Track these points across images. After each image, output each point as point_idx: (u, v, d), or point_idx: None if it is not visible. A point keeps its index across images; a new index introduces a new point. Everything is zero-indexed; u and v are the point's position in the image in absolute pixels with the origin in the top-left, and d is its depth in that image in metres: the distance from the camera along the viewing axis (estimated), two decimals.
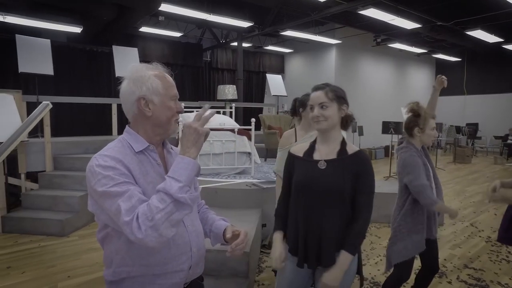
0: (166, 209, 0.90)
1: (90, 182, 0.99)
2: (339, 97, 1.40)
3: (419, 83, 13.32)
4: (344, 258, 1.34)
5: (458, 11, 7.65)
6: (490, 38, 8.58)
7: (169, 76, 1.13)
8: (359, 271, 1.49)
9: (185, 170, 0.95)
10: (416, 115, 1.99)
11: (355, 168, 1.36)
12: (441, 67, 13.64)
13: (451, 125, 11.87)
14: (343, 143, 1.42)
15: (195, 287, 1.21)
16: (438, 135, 12.63)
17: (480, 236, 3.91)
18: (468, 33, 8.21)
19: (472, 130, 11.48)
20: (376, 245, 3.61)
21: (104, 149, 1.05)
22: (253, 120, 4.43)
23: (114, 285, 1.07)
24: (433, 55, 11.96)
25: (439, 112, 13.45)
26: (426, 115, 1.98)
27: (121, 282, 1.06)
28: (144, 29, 8.00)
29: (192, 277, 1.18)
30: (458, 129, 11.58)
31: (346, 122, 1.45)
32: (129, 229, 0.89)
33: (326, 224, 1.36)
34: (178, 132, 3.54)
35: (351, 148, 1.42)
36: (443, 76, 2.23)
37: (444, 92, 14.27)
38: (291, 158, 1.52)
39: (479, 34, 8.27)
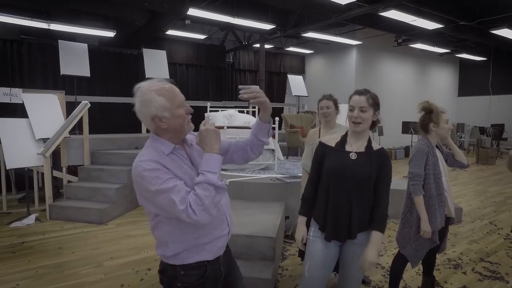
0: (211, 195, 1.17)
1: (141, 184, 1.19)
2: (376, 104, 1.67)
3: (442, 83, 13.15)
4: (378, 237, 1.60)
5: (482, 9, 7.57)
6: None
7: (171, 85, 1.26)
8: None
9: (217, 164, 1.23)
10: (429, 112, 2.19)
11: (379, 161, 1.65)
12: (465, 67, 13.40)
13: (474, 126, 11.66)
14: (369, 140, 1.71)
15: (227, 251, 1.46)
16: (461, 136, 12.31)
17: (498, 234, 3.99)
18: (494, 32, 8.10)
19: (497, 131, 11.23)
20: (393, 238, 3.73)
21: (140, 156, 1.22)
22: (276, 119, 4.66)
23: (172, 258, 1.29)
24: (457, 55, 11.77)
25: (462, 113, 13.26)
26: (438, 110, 2.19)
27: (179, 254, 1.28)
28: (170, 32, 8.39)
29: (228, 241, 1.43)
30: (482, 130, 11.36)
31: (374, 124, 1.72)
32: (185, 215, 1.15)
33: (355, 205, 1.63)
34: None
35: (375, 145, 1.71)
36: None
37: (468, 92, 13.83)
38: (323, 146, 1.76)
39: (505, 32, 8.12)
